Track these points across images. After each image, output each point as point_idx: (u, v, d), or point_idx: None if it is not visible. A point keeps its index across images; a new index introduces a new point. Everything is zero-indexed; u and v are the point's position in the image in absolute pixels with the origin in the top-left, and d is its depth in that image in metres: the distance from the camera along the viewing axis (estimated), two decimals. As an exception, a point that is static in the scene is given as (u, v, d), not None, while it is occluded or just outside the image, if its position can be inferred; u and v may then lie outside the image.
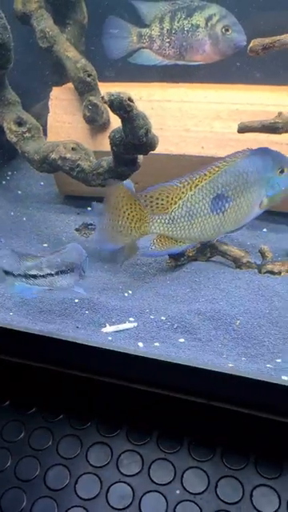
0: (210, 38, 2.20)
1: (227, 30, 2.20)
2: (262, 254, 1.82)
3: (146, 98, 2.19)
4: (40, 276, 1.59)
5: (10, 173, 2.66)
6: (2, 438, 1.40)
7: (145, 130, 1.49)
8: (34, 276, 1.58)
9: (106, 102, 1.40)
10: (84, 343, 1.38)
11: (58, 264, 1.61)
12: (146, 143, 1.55)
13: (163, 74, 2.37)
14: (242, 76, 2.31)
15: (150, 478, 1.29)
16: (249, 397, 1.30)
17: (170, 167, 2.13)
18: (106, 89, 2.18)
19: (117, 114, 1.46)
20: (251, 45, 1.73)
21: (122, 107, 1.41)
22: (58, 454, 1.36)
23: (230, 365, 1.36)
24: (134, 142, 1.53)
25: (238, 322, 1.52)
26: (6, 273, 1.58)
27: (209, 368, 1.28)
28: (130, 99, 1.41)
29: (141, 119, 1.47)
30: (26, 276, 1.58)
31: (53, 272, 1.60)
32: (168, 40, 2.26)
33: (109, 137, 1.65)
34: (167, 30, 2.25)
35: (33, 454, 1.37)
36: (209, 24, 2.20)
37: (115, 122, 2.01)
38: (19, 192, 2.50)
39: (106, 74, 2.36)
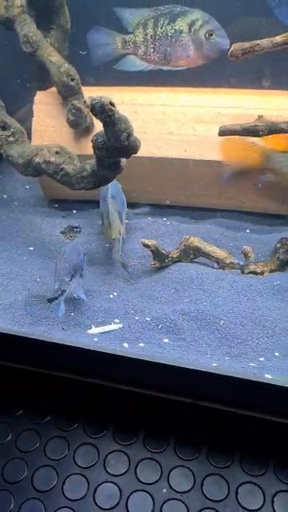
0: (194, 42, 2.23)
1: (211, 35, 2.22)
2: (245, 255, 1.85)
3: (129, 101, 2.21)
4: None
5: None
6: (-11, 441, 1.40)
7: (126, 134, 1.51)
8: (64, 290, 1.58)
9: (87, 106, 1.41)
10: (70, 345, 1.40)
11: (69, 269, 1.62)
12: (128, 146, 1.56)
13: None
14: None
15: (137, 478, 1.30)
16: (233, 395, 1.32)
17: (154, 170, 2.16)
18: (90, 93, 2.21)
19: (98, 118, 1.48)
20: (232, 49, 1.75)
21: (104, 111, 1.42)
22: (45, 456, 1.37)
23: (214, 364, 1.38)
24: (116, 145, 1.54)
25: (222, 321, 1.54)
26: (50, 300, 1.56)
27: (193, 367, 1.30)
28: (111, 103, 1.42)
29: (122, 123, 1.48)
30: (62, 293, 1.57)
31: (68, 279, 1.60)
32: (152, 46, 2.28)
33: (91, 140, 1.66)
34: (151, 35, 2.27)
35: (20, 455, 1.38)
36: (192, 29, 2.23)
37: (99, 125, 2.02)
38: (4, 196, 2.50)
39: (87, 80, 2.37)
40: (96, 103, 1.40)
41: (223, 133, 1.79)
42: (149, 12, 2.30)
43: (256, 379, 1.26)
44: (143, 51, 2.30)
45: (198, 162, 2.12)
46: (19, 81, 2.60)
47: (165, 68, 2.31)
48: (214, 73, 2.30)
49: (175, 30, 2.25)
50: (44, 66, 2.25)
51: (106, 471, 1.33)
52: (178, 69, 2.30)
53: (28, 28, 2.24)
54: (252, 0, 2.35)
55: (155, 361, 1.33)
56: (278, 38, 1.70)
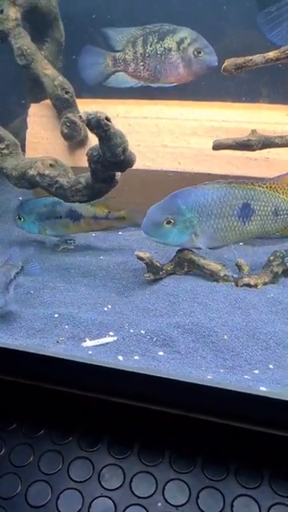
0: (183, 60, 2.28)
1: (199, 53, 2.27)
2: (239, 268, 1.86)
3: (123, 114, 2.23)
4: None
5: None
6: (-18, 456, 1.39)
7: (122, 149, 1.52)
8: None
9: (83, 121, 1.42)
10: (64, 358, 1.39)
11: None
12: (123, 161, 1.58)
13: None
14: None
15: (132, 492, 1.29)
16: (228, 408, 1.32)
17: (148, 182, 2.17)
18: (84, 105, 2.24)
19: (94, 133, 1.49)
20: (225, 64, 1.78)
21: (100, 126, 1.44)
22: (39, 470, 1.35)
23: (209, 377, 1.38)
24: (111, 159, 1.56)
25: (226, 336, 1.54)
26: None
27: (188, 380, 1.30)
28: (107, 118, 1.43)
29: (118, 138, 1.50)
30: None
31: None
32: (142, 63, 2.32)
33: (86, 154, 1.67)
34: (140, 53, 2.31)
35: (13, 470, 1.36)
36: (181, 47, 2.28)
37: (93, 138, 2.03)
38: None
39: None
40: (92, 118, 1.41)
41: (217, 147, 1.81)
42: (138, 30, 2.34)
43: (251, 392, 1.26)
44: (133, 68, 2.34)
45: (191, 174, 2.14)
46: (13, 93, 2.61)
47: (154, 85, 2.35)
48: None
49: (164, 47, 2.30)
50: (38, 79, 2.27)
51: (101, 485, 1.31)
52: (168, 85, 2.34)
53: (22, 41, 2.27)
54: (243, 15, 2.39)
55: (150, 373, 1.33)
56: (271, 54, 1.73)
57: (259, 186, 1.75)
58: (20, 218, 2.16)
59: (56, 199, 2.07)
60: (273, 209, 1.76)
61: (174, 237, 1.75)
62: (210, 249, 1.82)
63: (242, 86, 2.30)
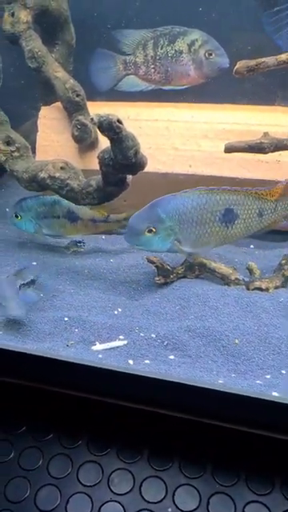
0: (194, 62, 2.27)
1: (210, 54, 2.27)
2: (250, 271, 1.84)
3: (134, 117, 2.23)
4: None
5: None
6: (-9, 459, 1.39)
7: (134, 151, 1.52)
8: None
9: (95, 124, 1.42)
10: (74, 361, 1.39)
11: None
12: (135, 163, 1.57)
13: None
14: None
15: (142, 497, 1.28)
16: (239, 413, 1.31)
17: (158, 185, 2.16)
18: (94, 108, 2.23)
19: (106, 136, 1.48)
20: (237, 66, 1.77)
21: (111, 129, 1.43)
22: (48, 474, 1.35)
23: (221, 381, 1.37)
24: (123, 162, 1.55)
25: (237, 341, 1.53)
26: None
27: (199, 385, 1.29)
28: (119, 121, 1.43)
29: (130, 140, 1.49)
30: None
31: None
32: (153, 66, 2.32)
33: (98, 157, 1.67)
34: (151, 56, 2.31)
35: (23, 474, 1.36)
36: (192, 49, 2.27)
37: (104, 140, 2.03)
38: (7, 209, 2.51)
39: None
40: (104, 121, 1.41)
41: (229, 150, 1.80)
42: (148, 33, 2.34)
43: (263, 397, 1.25)
44: (144, 71, 2.34)
45: (202, 177, 2.13)
46: (23, 96, 2.61)
47: (165, 88, 2.35)
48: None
49: (175, 50, 2.29)
50: (49, 82, 2.27)
51: (110, 490, 1.31)
52: (179, 88, 2.33)
53: (33, 44, 2.27)
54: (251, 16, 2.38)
55: (161, 378, 1.32)
56: (283, 56, 1.72)
57: (242, 191, 1.79)
58: (17, 216, 2.17)
59: (55, 198, 2.08)
60: (257, 211, 1.79)
61: (158, 244, 1.77)
62: (195, 253, 1.83)
63: (255, 88, 2.29)
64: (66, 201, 2.01)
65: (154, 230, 1.74)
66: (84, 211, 2.10)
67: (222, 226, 1.78)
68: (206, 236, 1.77)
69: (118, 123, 1.42)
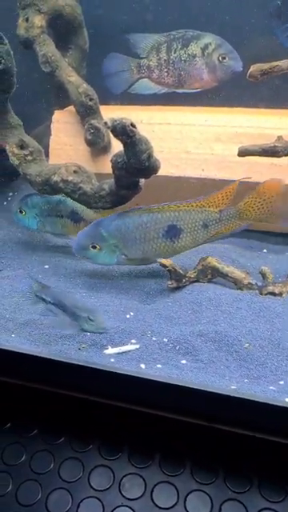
0: (208, 66, 2.27)
1: (224, 58, 2.27)
2: (263, 276, 1.83)
3: (147, 121, 2.23)
4: None
5: (11, 194, 2.68)
6: (3, 462, 1.39)
7: (147, 155, 1.52)
8: None
9: (108, 127, 1.42)
10: (86, 365, 1.39)
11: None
12: (148, 167, 1.57)
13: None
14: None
15: (153, 502, 1.28)
16: (252, 419, 1.30)
17: (171, 189, 2.16)
18: (107, 112, 2.24)
19: (119, 139, 1.49)
20: (250, 70, 1.77)
21: (125, 132, 1.43)
22: (59, 478, 1.34)
23: (233, 387, 1.36)
24: (136, 166, 1.55)
25: (247, 344, 1.52)
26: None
27: (211, 390, 1.28)
28: (132, 124, 1.43)
29: (143, 144, 1.49)
30: None
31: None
32: (166, 69, 2.32)
33: (111, 161, 1.67)
34: (164, 60, 2.31)
35: (34, 477, 1.36)
36: (205, 53, 2.27)
37: (116, 144, 2.03)
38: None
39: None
40: (117, 124, 1.41)
41: (242, 153, 1.79)
42: (162, 37, 2.34)
43: (276, 403, 1.24)
44: (157, 75, 2.35)
45: (215, 181, 2.12)
46: (36, 100, 2.63)
47: (179, 91, 2.35)
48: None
49: (188, 54, 2.29)
50: (62, 86, 2.28)
51: (122, 494, 1.30)
52: (192, 91, 2.33)
53: (47, 48, 2.28)
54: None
55: (173, 382, 1.31)
56: (297, 60, 1.71)
57: (184, 206, 1.85)
58: (21, 212, 2.19)
59: (60, 198, 2.10)
60: (201, 223, 1.86)
61: (104, 258, 1.89)
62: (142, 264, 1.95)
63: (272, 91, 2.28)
64: (71, 201, 2.04)
65: (97, 246, 1.86)
66: (87, 213, 2.12)
67: (167, 241, 1.86)
68: (152, 251, 1.87)
69: (131, 127, 1.42)
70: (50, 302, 1.63)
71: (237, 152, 1.89)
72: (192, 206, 1.85)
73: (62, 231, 2.19)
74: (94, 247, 1.86)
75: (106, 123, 1.42)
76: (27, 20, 2.29)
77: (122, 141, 1.49)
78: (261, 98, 2.27)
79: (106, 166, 1.93)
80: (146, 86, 2.40)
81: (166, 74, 2.34)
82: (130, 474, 1.33)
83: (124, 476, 1.33)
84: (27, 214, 2.19)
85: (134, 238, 1.85)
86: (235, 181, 1.88)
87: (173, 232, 1.85)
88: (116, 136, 1.47)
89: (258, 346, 1.50)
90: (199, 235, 1.87)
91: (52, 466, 1.37)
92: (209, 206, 1.86)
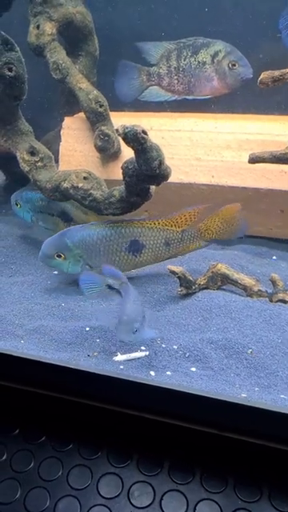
0: (218, 73, 2.28)
1: (234, 65, 2.27)
2: (273, 283, 1.82)
3: (157, 127, 2.23)
4: None
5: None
6: (11, 468, 1.38)
7: (158, 162, 1.51)
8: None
9: (120, 135, 1.42)
10: (95, 372, 1.38)
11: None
12: (159, 174, 1.57)
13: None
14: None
15: (162, 510, 1.27)
16: (262, 428, 1.28)
17: (181, 196, 2.16)
18: (117, 119, 2.25)
19: (130, 146, 1.48)
20: (261, 77, 1.76)
21: (136, 140, 1.43)
22: (68, 485, 1.34)
23: (243, 395, 1.35)
24: (147, 173, 1.55)
25: (250, 350, 1.51)
26: None
27: (221, 398, 1.27)
28: (143, 132, 1.43)
29: (154, 151, 1.49)
30: None
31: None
32: (176, 77, 2.33)
33: (121, 168, 1.67)
34: (174, 67, 2.32)
35: (42, 484, 1.35)
36: (215, 60, 2.28)
37: (126, 151, 2.03)
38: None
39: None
40: (129, 132, 1.41)
41: (253, 160, 1.79)
42: (172, 44, 2.35)
43: (287, 411, 1.23)
44: (167, 82, 2.35)
45: (225, 188, 2.12)
46: (46, 106, 2.64)
47: (189, 98, 2.35)
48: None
49: (198, 61, 2.30)
50: (72, 92, 2.29)
51: (130, 503, 1.29)
52: (202, 98, 2.33)
53: (58, 55, 2.29)
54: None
55: (182, 390, 1.30)
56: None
57: (147, 223, 1.91)
58: (17, 204, 2.26)
59: None
60: (163, 241, 1.93)
61: (68, 267, 1.93)
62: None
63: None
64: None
65: (62, 255, 1.91)
66: (77, 214, 2.17)
67: (129, 255, 1.93)
68: (114, 263, 1.92)
69: (142, 134, 1.42)
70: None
71: (247, 159, 1.89)
72: (156, 223, 1.92)
73: (53, 228, 2.23)
74: (59, 256, 1.90)
75: (117, 130, 1.42)
76: (38, 27, 2.30)
77: (133, 148, 1.49)
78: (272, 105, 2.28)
79: (116, 173, 1.93)
80: (156, 93, 2.41)
81: (176, 81, 2.35)
82: (139, 481, 1.32)
83: (133, 484, 1.32)
84: (22, 207, 2.25)
85: (97, 249, 1.90)
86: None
87: (135, 247, 1.92)
88: (127, 143, 1.47)
89: (269, 354, 1.49)
90: (161, 252, 1.94)
91: (60, 473, 1.36)
92: (172, 226, 1.93)
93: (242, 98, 2.35)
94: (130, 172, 1.62)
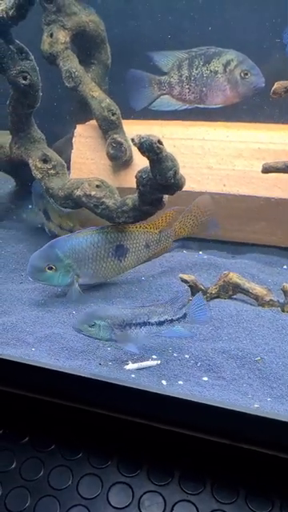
0: (229, 82, 2.28)
1: (246, 74, 2.27)
2: (285, 292, 1.81)
3: (169, 136, 2.23)
4: None
5: (30, 206, 2.69)
6: (21, 476, 1.38)
7: (173, 172, 1.51)
8: None
9: (135, 144, 1.42)
10: (106, 380, 1.38)
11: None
12: (173, 184, 1.57)
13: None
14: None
15: (173, 521, 1.26)
16: (275, 438, 1.27)
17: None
18: (129, 127, 2.25)
19: (146, 156, 1.49)
20: (274, 87, 1.77)
21: (152, 149, 1.43)
22: (78, 494, 1.33)
23: (256, 405, 1.34)
24: (161, 182, 1.55)
25: (259, 358, 1.51)
26: None
27: (234, 408, 1.27)
28: (159, 141, 1.43)
29: (169, 161, 1.49)
30: None
31: None
32: (187, 86, 2.33)
33: (135, 177, 1.67)
34: (186, 76, 2.32)
35: (52, 493, 1.34)
36: (227, 69, 2.27)
37: (138, 159, 2.04)
38: (39, 225, 2.53)
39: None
40: (144, 141, 1.41)
41: (266, 170, 1.79)
42: (183, 54, 2.36)
43: (300, 423, 1.22)
44: (178, 91, 2.36)
45: (236, 197, 2.12)
46: (57, 113, 2.65)
47: (200, 106, 2.36)
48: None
49: (210, 70, 2.30)
50: (85, 100, 2.30)
51: (141, 513, 1.28)
52: (214, 107, 2.34)
53: (71, 63, 2.31)
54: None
55: (194, 400, 1.30)
56: None
57: (129, 227, 1.94)
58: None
59: (42, 192, 2.18)
60: (144, 243, 1.97)
61: (58, 279, 1.92)
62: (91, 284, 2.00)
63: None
64: (49, 198, 2.13)
65: (53, 267, 1.89)
66: (54, 215, 2.23)
67: (115, 260, 1.95)
68: (102, 270, 1.95)
69: (158, 144, 1.43)
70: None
71: (259, 168, 1.89)
72: (136, 227, 1.96)
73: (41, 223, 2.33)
74: (51, 268, 1.89)
75: (132, 140, 1.43)
76: (51, 36, 2.32)
77: (148, 158, 1.49)
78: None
79: (128, 181, 1.94)
80: (167, 102, 2.41)
81: (187, 90, 2.35)
82: (149, 491, 1.32)
83: (143, 493, 1.31)
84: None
85: (87, 257, 1.92)
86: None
87: (120, 251, 1.95)
88: (143, 153, 1.47)
89: (281, 364, 1.49)
90: (141, 255, 1.98)
91: (70, 481, 1.36)
92: (150, 228, 1.98)
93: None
94: (143, 181, 1.63)
